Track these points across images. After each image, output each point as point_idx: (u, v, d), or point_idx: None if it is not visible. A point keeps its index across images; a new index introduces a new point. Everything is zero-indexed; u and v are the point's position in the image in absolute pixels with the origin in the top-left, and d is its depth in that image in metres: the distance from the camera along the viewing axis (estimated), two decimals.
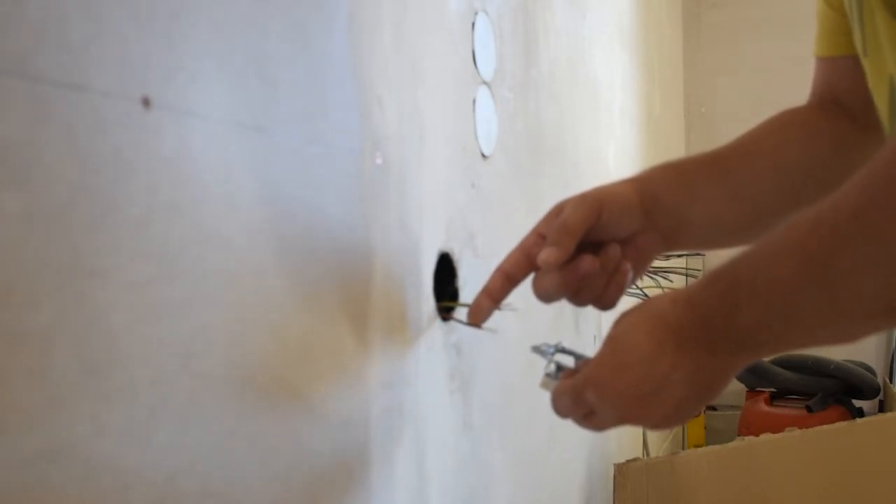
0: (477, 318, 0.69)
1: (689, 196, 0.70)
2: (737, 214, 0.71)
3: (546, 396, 0.63)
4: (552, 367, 0.65)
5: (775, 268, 0.51)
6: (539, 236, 0.68)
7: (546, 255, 0.64)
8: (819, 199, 0.56)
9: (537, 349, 0.68)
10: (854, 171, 0.49)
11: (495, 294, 0.69)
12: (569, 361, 0.66)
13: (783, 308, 0.51)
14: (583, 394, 0.59)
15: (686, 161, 0.73)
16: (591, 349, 1.20)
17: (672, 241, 0.71)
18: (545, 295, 0.66)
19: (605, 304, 0.68)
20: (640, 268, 0.70)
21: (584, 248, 0.66)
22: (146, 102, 0.41)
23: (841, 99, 0.73)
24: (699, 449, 1.67)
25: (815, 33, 0.74)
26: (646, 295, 1.73)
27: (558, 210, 0.67)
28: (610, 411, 0.59)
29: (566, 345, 0.68)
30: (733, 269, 0.54)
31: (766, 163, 0.71)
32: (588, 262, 0.65)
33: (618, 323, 0.60)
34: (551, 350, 0.67)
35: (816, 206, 0.50)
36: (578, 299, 0.68)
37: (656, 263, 2.22)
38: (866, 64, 0.61)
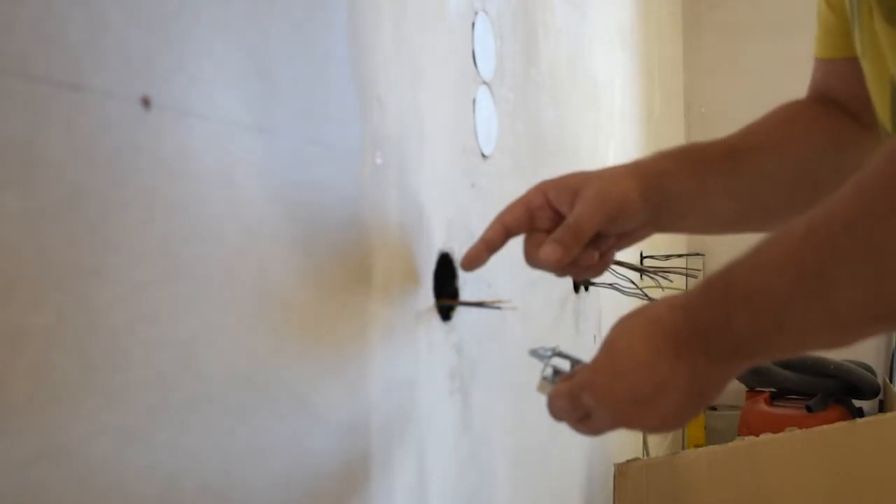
0: (472, 264, 0.71)
1: (698, 190, 0.70)
2: (732, 211, 0.72)
3: (544, 398, 0.63)
4: (549, 371, 0.65)
5: (768, 278, 0.51)
6: (546, 199, 0.68)
7: (549, 252, 0.65)
8: (810, 199, 0.56)
9: (535, 353, 0.68)
10: (850, 169, 0.49)
11: (492, 244, 0.70)
12: (566, 365, 0.66)
13: (777, 317, 0.51)
14: (579, 397, 0.59)
15: (699, 152, 0.73)
16: (590, 349, 1.20)
17: (664, 229, 0.72)
18: (538, 265, 0.68)
19: (583, 277, 0.71)
20: (625, 246, 0.73)
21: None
22: (146, 102, 0.41)
23: (838, 100, 0.74)
24: (699, 449, 1.67)
25: (815, 34, 0.74)
26: (646, 295, 1.73)
27: (574, 191, 0.67)
28: (606, 415, 0.59)
29: (564, 348, 0.68)
30: (727, 277, 0.54)
31: (772, 161, 0.72)
32: (588, 257, 0.68)
33: (615, 327, 0.60)
34: (548, 353, 0.67)
35: (808, 214, 0.50)
36: (560, 274, 0.71)
37: (656, 263, 2.23)
38: (865, 65, 0.61)
